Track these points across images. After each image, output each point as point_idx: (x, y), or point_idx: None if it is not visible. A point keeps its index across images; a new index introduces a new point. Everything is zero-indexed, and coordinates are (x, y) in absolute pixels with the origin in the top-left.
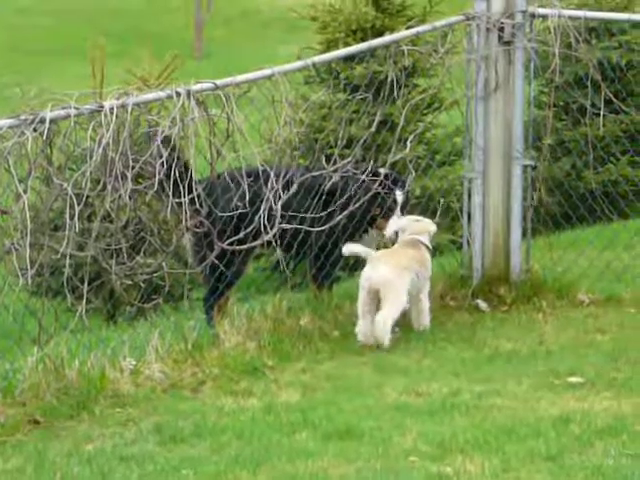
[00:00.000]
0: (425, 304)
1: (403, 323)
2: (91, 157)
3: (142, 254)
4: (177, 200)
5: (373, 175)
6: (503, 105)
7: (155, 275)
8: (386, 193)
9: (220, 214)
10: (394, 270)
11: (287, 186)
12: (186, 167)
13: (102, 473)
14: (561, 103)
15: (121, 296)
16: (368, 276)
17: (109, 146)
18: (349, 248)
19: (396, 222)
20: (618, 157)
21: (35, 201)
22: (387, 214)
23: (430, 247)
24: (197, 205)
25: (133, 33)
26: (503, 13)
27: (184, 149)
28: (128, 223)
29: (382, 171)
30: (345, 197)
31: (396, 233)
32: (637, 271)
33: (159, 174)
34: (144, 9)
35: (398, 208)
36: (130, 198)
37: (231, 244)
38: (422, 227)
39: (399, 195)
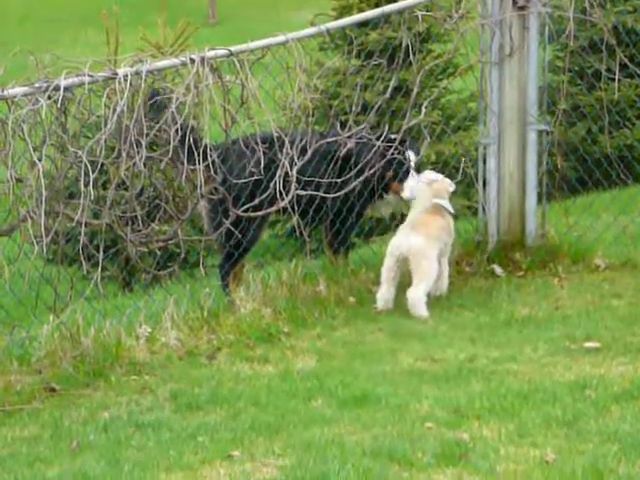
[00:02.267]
0: (445, 270)
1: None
2: (105, 125)
3: (157, 221)
4: (191, 167)
5: (386, 141)
6: (518, 70)
7: (170, 242)
8: (399, 158)
9: (235, 181)
10: (426, 240)
11: (302, 152)
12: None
13: (118, 440)
14: (576, 68)
15: (136, 263)
16: (399, 244)
17: (123, 113)
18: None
19: (414, 184)
20: (633, 121)
21: (50, 169)
22: (402, 178)
23: (453, 212)
24: (212, 172)
25: (147, 1)
26: None
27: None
28: (143, 190)
29: (394, 136)
30: (360, 163)
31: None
32: None
33: (173, 141)
34: None
35: (413, 170)
36: (145, 165)
37: (246, 211)
38: (442, 188)
39: (412, 156)
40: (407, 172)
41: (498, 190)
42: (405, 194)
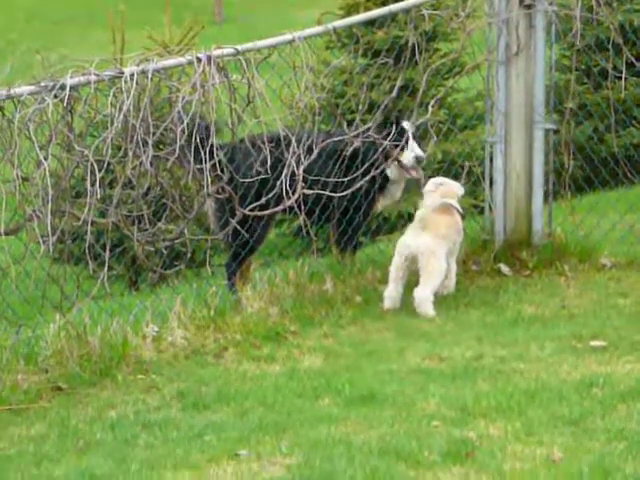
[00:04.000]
0: (453, 268)
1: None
2: (112, 123)
3: (164, 220)
4: (198, 166)
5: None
6: (524, 69)
7: (177, 241)
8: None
9: (242, 180)
10: (435, 239)
11: (309, 151)
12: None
13: (125, 439)
14: (583, 67)
15: (143, 262)
16: (408, 243)
17: (130, 112)
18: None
19: (417, 152)
20: None
21: (56, 168)
22: (402, 147)
23: (461, 212)
24: (218, 171)
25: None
26: None
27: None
28: (149, 189)
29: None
30: (367, 160)
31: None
32: None
33: (180, 140)
34: None
35: (411, 139)
36: (151, 164)
37: (252, 210)
38: (450, 191)
39: (407, 125)
40: (406, 140)
41: (505, 189)
42: (407, 158)
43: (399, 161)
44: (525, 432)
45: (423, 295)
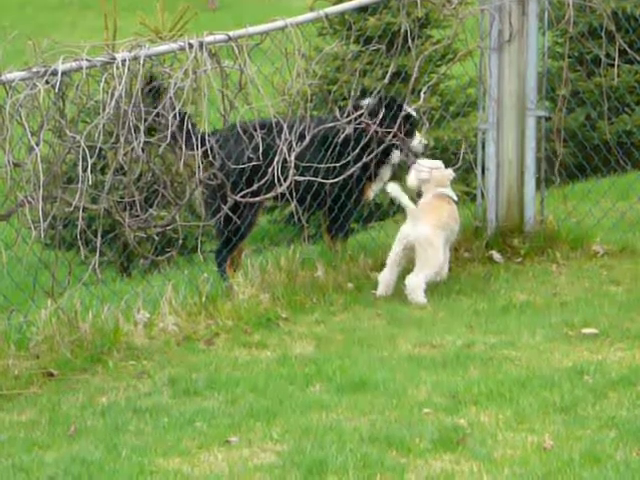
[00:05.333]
0: (447, 256)
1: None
2: (104, 109)
3: (155, 207)
4: (190, 152)
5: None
6: (517, 56)
7: (168, 228)
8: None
9: (233, 166)
10: (433, 229)
11: (300, 138)
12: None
13: (116, 425)
14: (575, 54)
15: (135, 249)
16: (407, 233)
17: (121, 98)
18: (394, 190)
19: (418, 172)
20: (633, 107)
21: (48, 154)
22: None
23: (456, 199)
24: (210, 157)
25: None
26: None
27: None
28: (141, 175)
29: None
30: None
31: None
32: None
33: (172, 126)
34: None
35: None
36: (143, 150)
37: (244, 197)
38: (444, 176)
39: (412, 111)
40: (414, 127)
41: (497, 176)
42: (410, 182)
43: (409, 148)
44: (516, 419)
45: (415, 282)
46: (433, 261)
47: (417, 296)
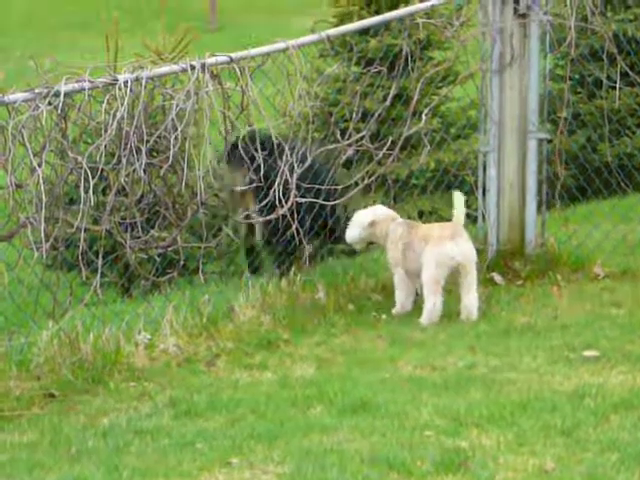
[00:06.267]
0: None
1: (417, 298)
2: (106, 130)
3: (157, 228)
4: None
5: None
6: (518, 78)
7: (170, 249)
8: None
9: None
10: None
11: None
12: None
13: (117, 447)
14: (577, 76)
15: (136, 270)
16: (452, 255)
17: (123, 120)
18: (459, 198)
19: (360, 222)
20: (634, 130)
21: (50, 175)
22: None
23: None
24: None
25: (147, 6)
26: None
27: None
28: (143, 197)
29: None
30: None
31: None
32: None
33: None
34: None
35: None
36: (145, 172)
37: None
38: (388, 212)
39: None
40: None
41: (498, 198)
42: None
43: None
44: (517, 442)
45: (475, 301)
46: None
47: (476, 314)
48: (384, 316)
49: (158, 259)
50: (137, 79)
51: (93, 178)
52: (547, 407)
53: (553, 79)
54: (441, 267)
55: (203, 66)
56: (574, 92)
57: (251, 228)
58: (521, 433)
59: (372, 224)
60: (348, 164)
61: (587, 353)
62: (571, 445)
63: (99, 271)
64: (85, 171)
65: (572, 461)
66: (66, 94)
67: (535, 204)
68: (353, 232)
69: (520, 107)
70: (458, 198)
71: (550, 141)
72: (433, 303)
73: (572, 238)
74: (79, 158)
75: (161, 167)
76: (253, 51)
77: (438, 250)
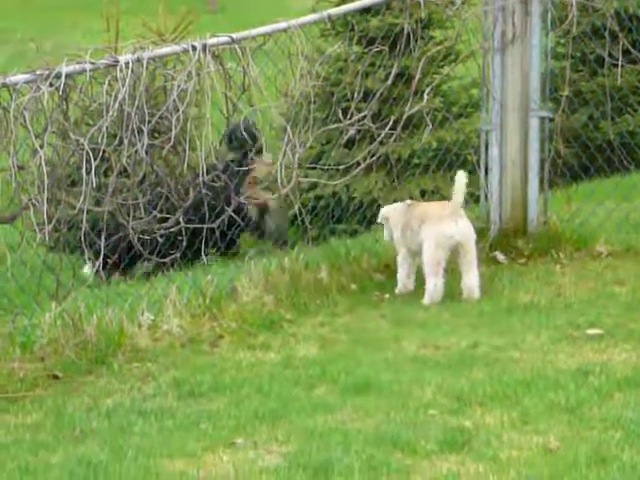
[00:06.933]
0: None
1: (418, 277)
2: (107, 112)
3: (159, 209)
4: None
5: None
6: (520, 57)
7: (172, 230)
8: None
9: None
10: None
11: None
12: None
13: (121, 427)
14: (578, 54)
15: (138, 251)
16: (450, 234)
17: (125, 101)
18: (462, 178)
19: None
20: (636, 108)
21: (52, 156)
22: None
23: None
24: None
25: None
26: None
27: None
28: (145, 178)
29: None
30: None
31: None
32: None
33: (175, 129)
34: None
35: None
36: (146, 153)
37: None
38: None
39: None
40: None
41: (500, 177)
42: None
43: None
44: (521, 421)
45: (476, 281)
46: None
47: (479, 293)
48: (387, 296)
49: (160, 240)
50: (138, 60)
51: (95, 159)
52: (551, 385)
53: (555, 57)
54: (441, 247)
55: (204, 47)
56: (576, 70)
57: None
58: (525, 412)
59: (386, 220)
60: (350, 144)
61: (591, 331)
62: (575, 423)
63: (102, 252)
64: (87, 152)
65: (576, 439)
66: (67, 75)
67: (537, 182)
68: (384, 235)
69: (522, 85)
70: (460, 178)
71: (552, 119)
72: (434, 284)
73: (575, 216)
74: (81, 140)
75: (163, 148)
76: (254, 31)
77: (437, 229)
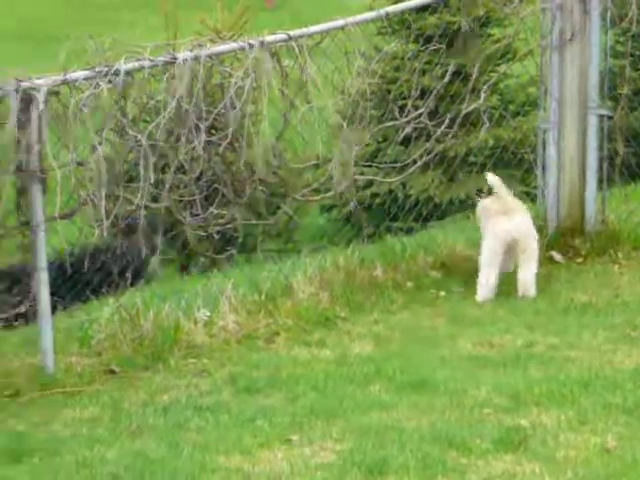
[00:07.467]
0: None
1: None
2: (165, 109)
3: (215, 205)
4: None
5: None
6: (579, 55)
7: (228, 226)
8: None
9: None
10: (530, 220)
11: None
12: None
13: (177, 423)
14: (637, 52)
15: (194, 247)
16: (507, 229)
17: (183, 98)
18: (494, 180)
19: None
20: None
21: (110, 153)
22: None
23: None
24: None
25: None
26: None
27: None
28: (202, 174)
29: None
30: None
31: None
32: None
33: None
34: None
35: None
36: (204, 149)
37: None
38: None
39: None
40: None
41: (558, 176)
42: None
43: None
44: (578, 421)
45: (532, 278)
46: (537, 253)
47: (534, 291)
48: (442, 293)
49: (217, 236)
50: (196, 57)
51: (152, 156)
52: (608, 385)
53: (614, 55)
54: (497, 240)
55: (262, 44)
56: (635, 68)
57: None
58: (582, 411)
59: (479, 219)
60: (406, 141)
61: None
62: (633, 424)
63: (158, 248)
64: (144, 149)
65: (634, 439)
66: (126, 72)
67: (595, 181)
68: None
69: (580, 83)
70: (491, 178)
71: (610, 118)
72: (486, 278)
73: (633, 215)
74: (139, 136)
75: (220, 145)
76: (312, 29)
77: (494, 224)
